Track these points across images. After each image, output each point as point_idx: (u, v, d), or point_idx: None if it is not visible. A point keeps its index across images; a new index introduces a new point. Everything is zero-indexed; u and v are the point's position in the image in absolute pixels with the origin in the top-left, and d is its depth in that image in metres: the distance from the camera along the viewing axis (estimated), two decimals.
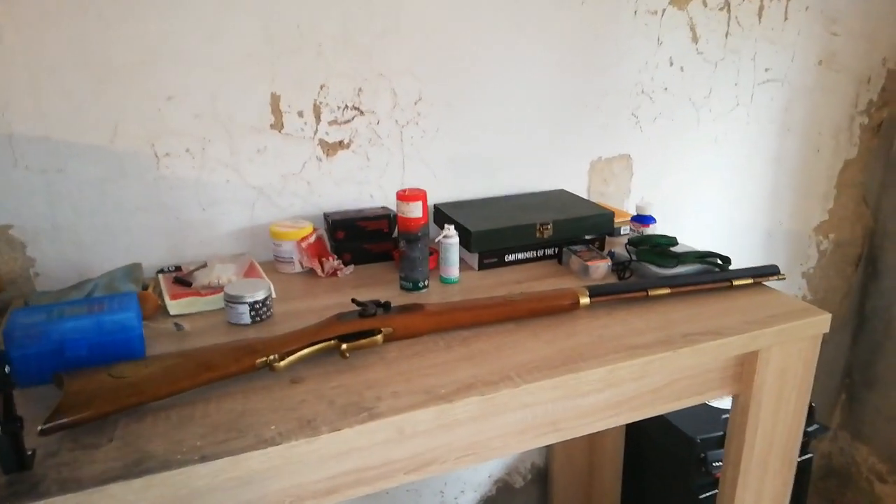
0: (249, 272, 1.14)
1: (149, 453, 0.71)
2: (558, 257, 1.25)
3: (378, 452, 0.81)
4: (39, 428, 0.70)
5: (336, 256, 1.21)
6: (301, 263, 1.20)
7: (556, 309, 1.03)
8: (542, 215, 1.26)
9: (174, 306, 1.03)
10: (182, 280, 1.10)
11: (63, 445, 0.72)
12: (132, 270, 1.08)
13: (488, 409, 0.83)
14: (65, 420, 0.71)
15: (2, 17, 1.01)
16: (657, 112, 1.58)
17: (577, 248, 1.23)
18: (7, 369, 0.62)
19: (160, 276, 1.13)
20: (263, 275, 1.12)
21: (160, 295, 1.06)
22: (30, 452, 0.69)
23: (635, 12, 1.46)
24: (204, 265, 1.14)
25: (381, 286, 1.15)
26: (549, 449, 1.72)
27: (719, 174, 1.72)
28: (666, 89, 1.56)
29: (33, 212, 1.10)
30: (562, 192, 1.46)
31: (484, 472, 1.69)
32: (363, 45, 1.25)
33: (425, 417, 0.79)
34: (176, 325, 0.98)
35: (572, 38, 1.42)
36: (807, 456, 1.57)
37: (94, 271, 1.12)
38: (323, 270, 1.19)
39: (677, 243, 1.23)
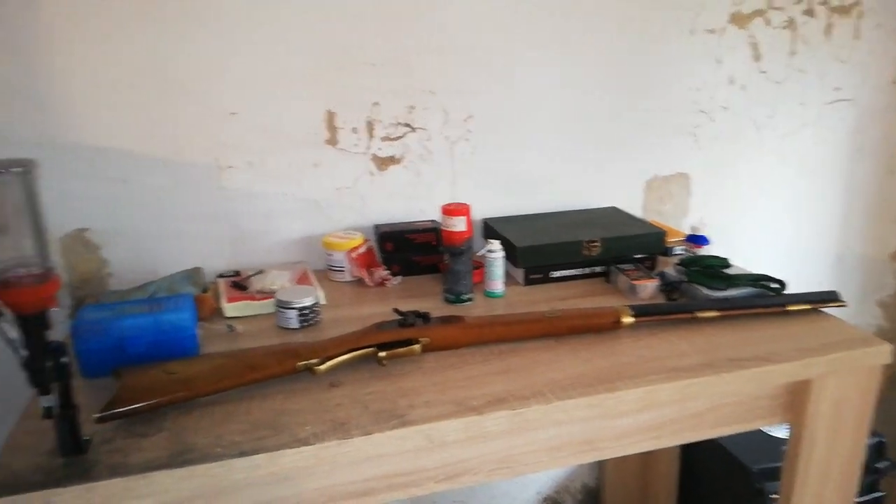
0: (302, 280, 1.19)
1: (192, 445, 0.75)
2: (606, 275, 1.23)
3: (409, 459, 0.82)
4: (95, 416, 0.76)
5: (385, 267, 1.25)
6: (351, 273, 1.24)
7: (596, 327, 1.02)
8: (590, 232, 1.25)
9: (229, 309, 1.09)
10: (239, 284, 1.16)
11: (117, 434, 0.77)
12: (193, 274, 1.14)
13: (519, 424, 0.83)
14: (118, 410, 0.77)
15: (76, 35, 1.10)
16: (717, 131, 1.54)
17: (626, 266, 1.22)
18: (66, 360, 0.68)
19: (220, 280, 1.19)
20: (315, 282, 1.17)
21: (217, 298, 1.12)
22: (87, 438, 0.74)
23: (691, 31, 1.44)
24: (260, 271, 1.20)
25: (427, 298, 1.17)
26: (600, 470, 1.69)
27: (782, 196, 1.66)
28: (726, 108, 1.53)
29: (107, 217, 1.19)
30: (613, 209, 1.45)
31: (532, 489, 1.67)
32: (415, 63, 1.28)
33: (454, 428, 0.80)
34: (228, 326, 1.04)
35: (624, 56, 1.42)
36: (876, 495, 1.48)
37: (160, 273, 1.20)
38: (371, 280, 1.22)
39: (730, 265, 1.20)
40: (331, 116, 1.27)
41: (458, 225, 1.10)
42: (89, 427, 0.75)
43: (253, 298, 1.11)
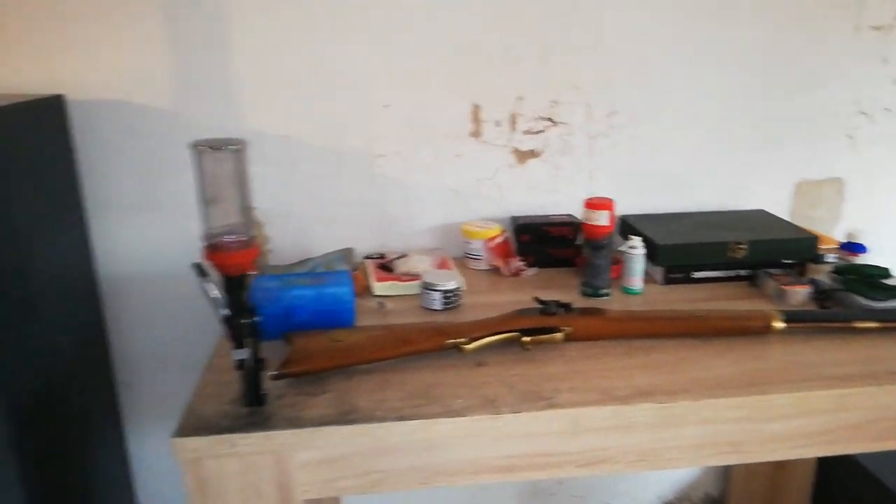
0: (442, 265, 1.25)
1: (356, 407, 0.82)
2: (751, 279, 1.20)
3: (553, 441, 0.85)
4: (271, 374, 0.84)
5: (520, 258, 1.28)
6: (488, 261, 1.28)
7: (744, 329, 0.99)
8: (736, 234, 1.22)
9: (378, 287, 1.16)
10: (385, 266, 1.24)
11: (287, 391, 0.85)
12: (346, 254, 1.23)
13: (665, 418, 0.83)
14: (293, 370, 0.85)
15: (256, 38, 1.21)
16: (878, 134, 1.44)
17: (774, 271, 1.17)
18: (259, 319, 0.76)
19: (367, 261, 1.27)
20: (455, 268, 1.22)
21: (366, 277, 1.20)
22: (264, 392, 0.83)
23: (856, 27, 1.36)
24: (404, 255, 1.27)
25: (562, 290, 1.19)
26: (726, 480, 1.63)
27: None
28: (889, 110, 1.43)
29: (271, 197, 1.30)
30: (760, 212, 1.39)
31: (652, 492, 1.64)
32: (561, 59, 1.30)
33: (601, 415, 0.82)
34: (379, 303, 1.11)
35: (779, 54, 1.36)
36: None
37: (312, 252, 1.30)
38: (507, 270, 1.26)
39: (891, 276, 1.12)
40: (476, 110, 1.31)
41: (601, 219, 1.11)
42: (264, 383, 0.84)
43: (399, 279, 1.18)
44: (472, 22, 1.26)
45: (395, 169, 1.32)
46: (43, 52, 1.17)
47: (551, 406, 0.82)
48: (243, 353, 0.77)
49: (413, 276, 1.18)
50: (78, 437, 1.17)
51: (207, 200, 0.72)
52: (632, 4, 1.29)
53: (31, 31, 1.16)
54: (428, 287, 1.10)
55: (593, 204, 1.12)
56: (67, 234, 1.18)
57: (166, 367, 1.38)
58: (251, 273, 0.75)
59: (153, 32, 1.18)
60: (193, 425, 0.78)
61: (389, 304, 1.12)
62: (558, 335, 0.95)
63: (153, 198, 1.27)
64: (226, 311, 0.75)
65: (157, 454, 1.44)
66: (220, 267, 0.73)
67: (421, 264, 1.23)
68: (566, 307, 0.99)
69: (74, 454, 1.15)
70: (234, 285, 0.74)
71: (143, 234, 1.29)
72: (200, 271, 0.76)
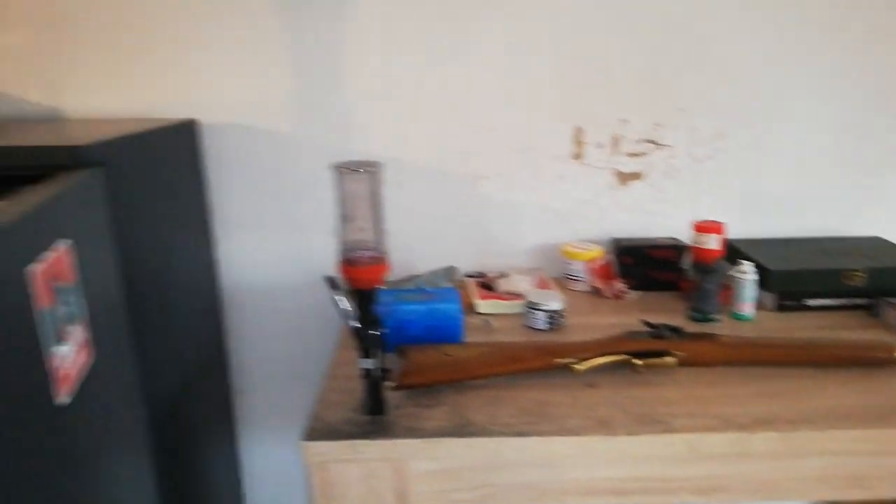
0: (542, 285, 1.26)
1: (471, 420, 0.84)
2: (870, 308, 1.14)
3: (668, 466, 0.84)
4: (391, 385, 0.88)
5: (622, 280, 1.27)
6: (588, 283, 1.29)
7: (866, 360, 0.96)
8: (852, 261, 1.17)
9: (481, 305, 1.19)
10: (486, 285, 1.26)
11: (404, 402, 0.89)
12: (449, 272, 1.27)
13: (787, 448, 0.81)
14: (412, 382, 0.89)
15: (369, 65, 1.28)
16: None
17: (895, 300, 1.12)
18: (385, 331, 0.80)
19: (468, 279, 1.31)
20: (555, 289, 1.23)
21: (468, 295, 1.22)
22: (383, 403, 0.86)
23: None
24: (504, 274, 1.29)
25: (666, 314, 1.17)
26: None
27: None
28: None
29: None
30: (876, 239, 1.33)
31: None
32: (666, 81, 1.30)
33: (720, 442, 0.81)
34: (485, 321, 1.14)
35: (892, 76, 1.30)
36: None
37: (416, 269, 1.34)
38: (608, 292, 1.26)
39: None
40: (578, 132, 1.33)
41: (711, 243, 1.10)
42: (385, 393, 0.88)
43: (502, 298, 1.20)
44: (577, 45, 1.28)
45: (497, 190, 1.36)
46: (179, 80, 1.28)
47: (668, 430, 0.81)
48: (370, 363, 0.81)
49: (515, 296, 1.20)
50: (198, 440, 1.25)
51: (345, 217, 0.77)
52: (740, 26, 1.28)
53: (168, 61, 1.27)
54: (532, 307, 1.12)
55: (703, 227, 1.10)
56: (198, 248, 1.28)
57: (275, 377, 1.45)
58: (380, 287, 0.79)
59: (277, 62, 1.27)
60: (320, 430, 0.83)
61: (494, 323, 1.14)
62: (671, 359, 0.94)
63: (272, 216, 1.35)
64: (355, 323, 0.79)
65: (264, 460, 1.51)
66: (352, 280, 0.78)
67: (522, 284, 1.24)
68: (677, 331, 0.98)
69: (194, 456, 1.23)
70: (365, 298, 0.79)
71: (262, 249, 1.37)
72: (332, 284, 0.81)
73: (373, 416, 0.85)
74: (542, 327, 1.12)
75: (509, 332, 1.12)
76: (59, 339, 0.66)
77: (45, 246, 0.65)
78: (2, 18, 1.25)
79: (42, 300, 0.62)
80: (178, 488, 1.12)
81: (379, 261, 0.78)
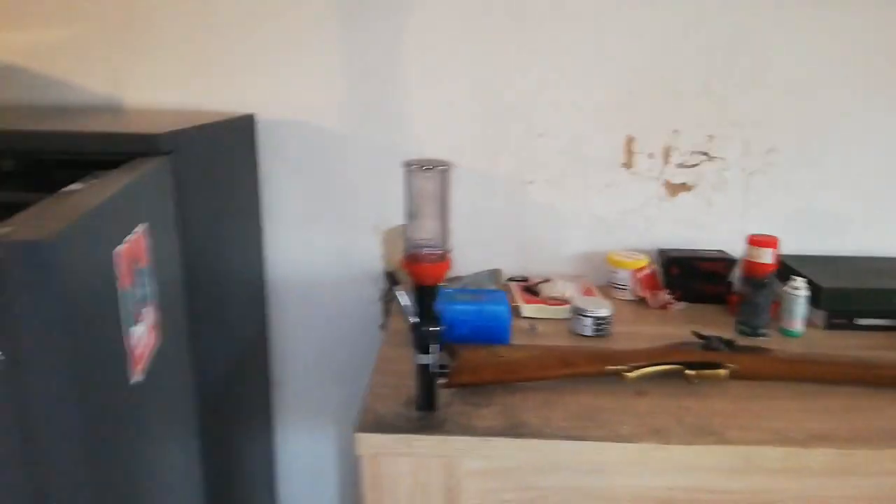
0: (587, 292, 1.26)
1: (523, 421, 0.84)
2: None
3: (719, 478, 0.84)
4: (442, 382, 0.88)
5: (668, 291, 1.27)
6: (634, 292, 1.28)
7: None
8: None
9: (526, 309, 1.19)
10: (530, 289, 1.27)
11: (454, 400, 0.89)
12: (494, 274, 1.27)
13: (842, 466, 0.81)
14: (464, 380, 0.89)
15: (428, 70, 1.29)
16: None
17: None
18: (443, 327, 0.81)
19: (511, 283, 1.31)
20: (601, 296, 1.23)
21: (513, 298, 1.23)
22: (435, 399, 0.87)
23: None
24: (548, 280, 1.29)
25: (713, 326, 1.16)
26: None
27: None
28: None
29: None
30: None
31: None
32: (722, 94, 1.30)
33: (774, 455, 0.80)
34: (531, 325, 1.14)
35: None
36: None
37: (462, 271, 1.35)
38: (654, 302, 1.25)
39: None
40: (630, 142, 1.33)
41: (765, 257, 1.09)
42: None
43: (547, 303, 1.20)
44: (633, 54, 1.28)
45: (544, 195, 1.36)
46: (238, 76, 1.31)
47: (722, 442, 0.81)
48: (427, 359, 0.82)
49: (560, 301, 1.21)
50: (239, 429, 1.27)
51: (412, 214, 0.78)
52: (799, 43, 1.27)
53: (227, 57, 1.30)
54: (579, 312, 1.12)
55: (757, 241, 1.10)
56: (248, 240, 1.30)
57: (311, 371, 1.47)
58: (442, 285, 0.80)
59: (335, 61, 1.29)
60: (372, 423, 0.84)
61: (539, 327, 1.14)
62: (723, 371, 0.94)
63: (320, 212, 1.37)
64: (415, 318, 0.80)
65: (297, 452, 1.53)
66: (415, 276, 0.79)
67: (566, 290, 1.25)
68: (730, 344, 0.98)
69: (234, 444, 1.25)
70: (426, 295, 0.80)
71: (306, 244, 1.39)
72: (392, 279, 0.82)
73: (425, 411, 0.86)
74: (588, 334, 1.12)
75: (554, 336, 1.12)
76: (136, 320, 0.68)
77: (128, 229, 0.67)
78: (69, 11, 1.29)
79: (124, 281, 0.64)
80: (221, 475, 1.14)
81: (443, 258, 0.79)
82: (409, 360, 0.87)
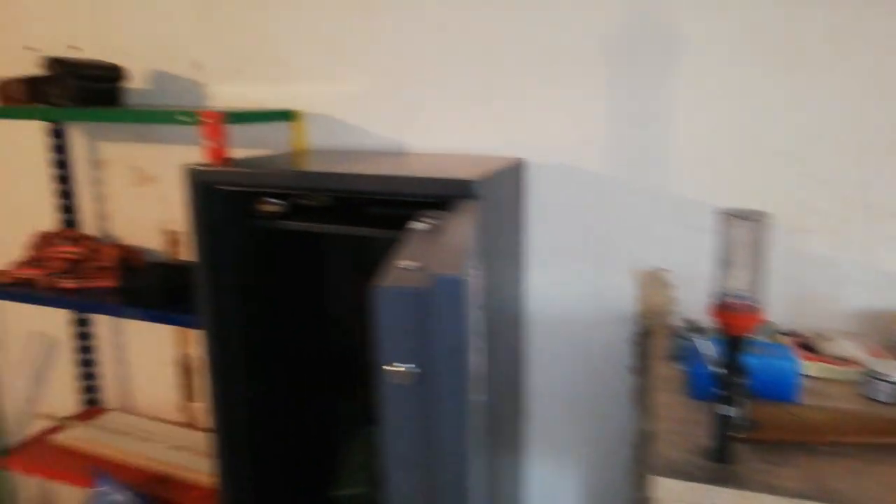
0: (875, 353, 1.15)
1: (834, 489, 0.80)
2: None
3: None
4: (740, 435, 0.86)
5: None
6: None
7: None
8: None
9: (806, 367, 1.12)
10: (807, 345, 1.19)
11: (751, 456, 0.87)
12: (768, 326, 1.22)
13: None
14: (762, 436, 0.87)
15: (684, 111, 1.29)
16: None
17: None
18: (749, 381, 0.79)
19: (781, 336, 1.24)
20: (892, 359, 1.12)
21: None
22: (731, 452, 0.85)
23: None
24: (827, 337, 1.20)
25: None
26: None
27: None
28: None
29: (682, 260, 1.36)
30: None
31: None
32: None
33: None
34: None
35: None
36: None
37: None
38: None
39: None
40: None
41: None
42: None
43: (832, 363, 1.12)
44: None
45: (822, 245, 1.28)
46: (506, 121, 1.42)
47: None
48: (731, 411, 0.81)
49: (846, 361, 1.12)
50: (498, 457, 1.34)
51: (724, 263, 0.79)
52: None
53: (496, 102, 1.42)
54: (875, 376, 1.03)
55: None
56: (514, 277, 1.39)
57: (558, 404, 1.51)
58: (751, 337, 0.79)
59: (601, 108, 1.35)
60: (666, 468, 0.84)
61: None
62: None
63: (577, 251, 1.42)
64: (720, 369, 0.80)
65: (542, 483, 1.57)
66: (725, 325, 0.79)
67: (852, 349, 1.15)
68: None
69: (494, 471, 1.32)
70: (735, 345, 0.79)
71: (564, 282, 1.45)
72: (692, 326, 0.83)
73: (719, 463, 0.85)
74: (884, 399, 1.02)
75: (840, 400, 1.04)
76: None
77: (478, 265, 0.76)
78: (362, 69, 1.50)
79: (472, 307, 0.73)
80: (490, 498, 1.21)
81: (754, 309, 0.79)
82: (693, 408, 0.87)
